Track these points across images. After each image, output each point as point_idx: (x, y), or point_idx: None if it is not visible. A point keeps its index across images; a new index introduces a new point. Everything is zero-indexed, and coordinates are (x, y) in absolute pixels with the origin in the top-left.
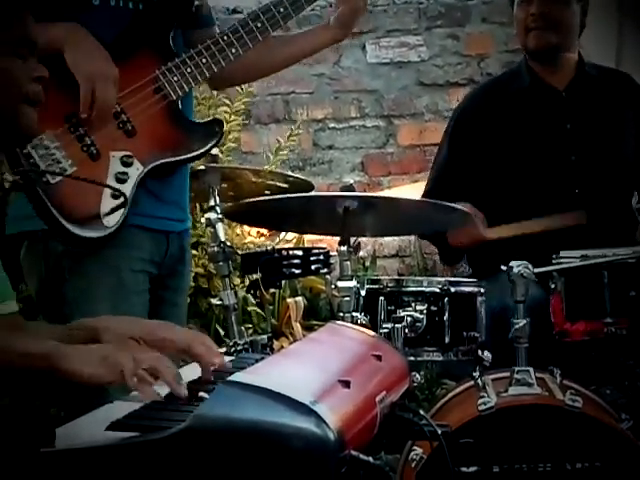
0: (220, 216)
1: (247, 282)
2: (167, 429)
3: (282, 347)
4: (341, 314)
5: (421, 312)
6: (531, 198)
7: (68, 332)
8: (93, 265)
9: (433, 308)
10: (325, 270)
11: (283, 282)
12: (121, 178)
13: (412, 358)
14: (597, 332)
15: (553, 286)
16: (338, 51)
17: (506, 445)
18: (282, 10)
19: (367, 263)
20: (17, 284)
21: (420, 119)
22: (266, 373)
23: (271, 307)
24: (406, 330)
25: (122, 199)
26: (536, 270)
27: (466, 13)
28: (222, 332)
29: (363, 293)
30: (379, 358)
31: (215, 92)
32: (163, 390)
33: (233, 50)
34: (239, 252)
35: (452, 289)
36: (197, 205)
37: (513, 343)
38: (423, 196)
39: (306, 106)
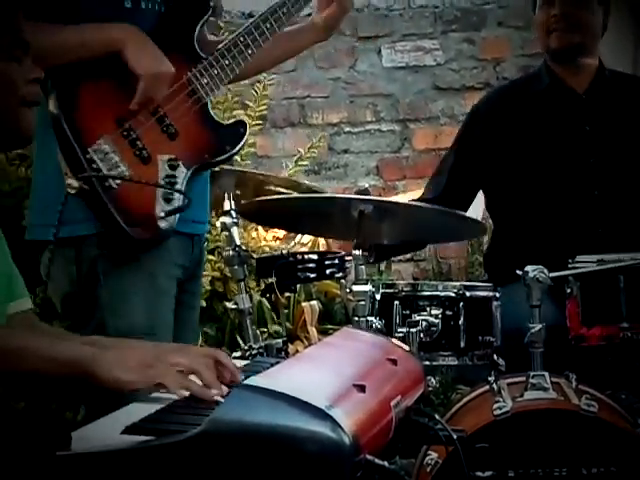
0: (235, 220)
1: (262, 286)
2: (183, 433)
3: (297, 351)
4: (356, 318)
5: (436, 316)
6: (549, 200)
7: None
8: (129, 270)
9: (448, 312)
10: (340, 274)
11: (298, 286)
12: (171, 181)
13: (427, 362)
14: (613, 337)
15: (569, 291)
16: (354, 55)
17: (521, 450)
18: (286, 11)
19: (382, 267)
20: (33, 288)
21: (436, 123)
22: (281, 377)
23: (286, 311)
24: (421, 334)
25: (176, 203)
26: (552, 275)
27: (482, 17)
28: (237, 336)
29: (378, 297)
30: (394, 362)
31: (229, 96)
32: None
33: (249, 51)
34: (254, 256)
35: (467, 293)
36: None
37: (529, 348)
38: (421, 197)
39: (322, 110)
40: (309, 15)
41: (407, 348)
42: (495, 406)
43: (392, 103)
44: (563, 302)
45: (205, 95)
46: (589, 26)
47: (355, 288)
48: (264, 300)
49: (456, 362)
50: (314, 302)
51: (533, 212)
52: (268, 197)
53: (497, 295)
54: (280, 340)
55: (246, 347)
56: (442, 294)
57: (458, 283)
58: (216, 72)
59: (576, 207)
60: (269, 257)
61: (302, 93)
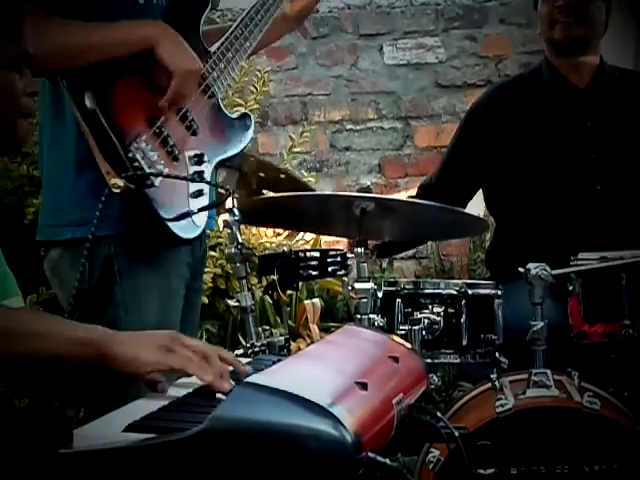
0: (237, 218)
1: (264, 283)
2: (185, 431)
3: (299, 349)
4: (358, 316)
5: (438, 314)
6: (551, 196)
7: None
8: (145, 269)
9: (450, 310)
10: (342, 272)
11: (300, 284)
12: (200, 177)
13: (429, 360)
14: (615, 334)
15: (571, 288)
16: (355, 52)
17: (524, 447)
18: (272, 1)
19: (384, 265)
20: (35, 285)
21: (437, 121)
22: (283, 375)
23: (288, 309)
24: (423, 332)
25: (205, 199)
26: (554, 272)
27: (484, 14)
28: (239, 333)
29: (380, 295)
30: (396, 360)
31: (229, 92)
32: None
33: (248, 44)
34: (256, 253)
35: (469, 291)
36: None
37: (531, 345)
38: (417, 192)
39: (323, 108)
40: None
41: (409, 346)
42: (497, 404)
43: (394, 100)
44: (565, 299)
45: (218, 89)
46: (593, 20)
47: (357, 286)
48: (266, 297)
49: (458, 360)
50: (316, 300)
51: (535, 209)
52: (269, 196)
53: (499, 293)
54: (282, 338)
55: (248, 345)
56: (444, 292)
57: (460, 281)
58: (223, 66)
59: (579, 203)
60: (271, 255)
61: (304, 90)
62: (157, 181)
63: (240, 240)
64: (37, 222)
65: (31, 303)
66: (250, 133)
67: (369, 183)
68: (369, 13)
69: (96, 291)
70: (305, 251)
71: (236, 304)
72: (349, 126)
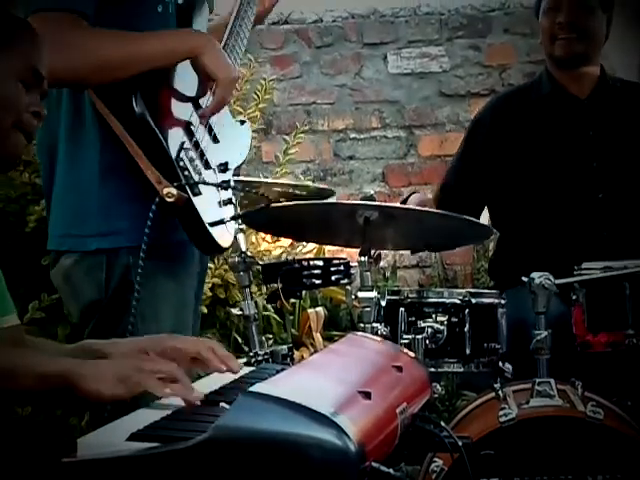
0: (240, 226)
1: (265, 291)
2: (188, 440)
3: (302, 357)
4: (361, 325)
5: (442, 323)
6: (553, 205)
7: (73, 351)
8: (163, 279)
9: (454, 319)
10: (346, 280)
11: (303, 292)
12: (225, 186)
13: (433, 369)
14: (619, 343)
15: (575, 297)
16: (359, 62)
17: (527, 457)
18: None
19: (387, 274)
20: (38, 294)
21: (441, 130)
22: (287, 384)
23: (291, 317)
24: (427, 341)
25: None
26: (557, 281)
27: (488, 24)
28: (241, 342)
29: (383, 304)
30: (400, 369)
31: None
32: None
33: (245, 40)
34: (260, 262)
35: (473, 300)
36: None
37: (534, 355)
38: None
39: (327, 116)
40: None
41: (412, 355)
42: (501, 413)
43: (398, 109)
44: (569, 309)
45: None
46: (594, 35)
47: (360, 294)
48: (269, 306)
49: (462, 369)
50: (319, 308)
51: (538, 218)
52: (272, 205)
53: (503, 302)
54: (285, 346)
55: (251, 353)
56: (448, 301)
57: (464, 290)
58: None
59: (581, 212)
60: (274, 263)
61: (308, 99)
62: (200, 191)
63: (244, 249)
64: (39, 230)
65: (33, 310)
66: (250, 137)
67: (373, 192)
68: (373, 22)
69: (113, 300)
70: (309, 260)
71: (239, 313)
72: (353, 135)
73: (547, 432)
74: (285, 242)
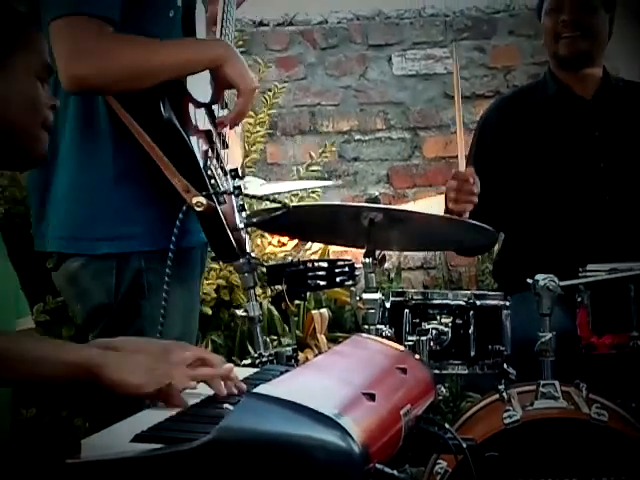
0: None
1: (269, 293)
2: (192, 441)
3: (307, 359)
4: (366, 326)
5: (446, 325)
6: (560, 206)
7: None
8: (172, 285)
9: (458, 321)
10: (350, 282)
11: (308, 294)
12: (240, 191)
13: (437, 371)
14: (623, 345)
15: (579, 299)
16: (364, 63)
17: (531, 459)
18: None
19: (392, 275)
20: (43, 296)
21: (446, 131)
22: (291, 385)
23: (296, 319)
24: (431, 343)
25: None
26: (562, 283)
27: (492, 26)
28: (246, 344)
29: (388, 305)
30: (404, 371)
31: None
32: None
33: (233, 24)
34: (264, 264)
35: (477, 302)
36: None
37: (539, 356)
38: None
39: (332, 118)
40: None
41: (417, 356)
42: (505, 415)
43: (402, 111)
44: (573, 311)
45: (226, 98)
46: (597, 33)
47: (365, 296)
48: (273, 308)
49: (466, 371)
50: (324, 310)
51: (543, 219)
52: (276, 206)
53: (507, 304)
54: (290, 348)
55: (256, 355)
56: (452, 302)
57: (468, 292)
58: None
59: (587, 213)
60: (279, 265)
61: (312, 101)
62: (224, 199)
63: (248, 250)
64: None
65: (37, 312)
66: (243, 142)
67: (377, 193)
68: (378, 24)
69: (123, 305)
70: (313, 261)
71: (244, 314)
72: (357, 136)
73: (551, 434)
74: (291, 245)
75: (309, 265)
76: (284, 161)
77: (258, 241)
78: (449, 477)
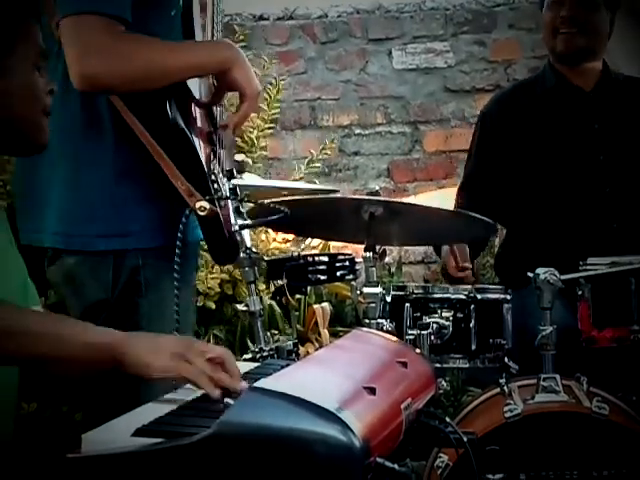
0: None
1: (272, 288)
2: (193, 435)
3: (308, 353)
4: (367, 320)
5: (447, 319)
6: (560, 199)
7: None
8: (170, 282)
9: (459, 315)
10: (351, 276)
11: (309, 288)
12: (236, 192)
13: (438, 365)
14: (624, 339)
15: (580, 293)
16: (364, 57)
17: (532, 452)
18: None
19: (393, 269)
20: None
21: (446, 125)
22: (291, 380)
23: (297, 313)
24: (432, 337)
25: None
26: (562, 277)
27: (493, 19)
28: (248, 338)
29: (389, 299)
30: (405, 365)
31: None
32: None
33: (222, 10)
34: (265, 258)
35: (478, 296)
36: None
37: (539, 350)
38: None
39: (332, 112)
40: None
41: (418, 350)
42: (506, 409)
43: (403, 105)
44: (574, 304)
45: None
46: (596, 30)
47: (366, 290)
48: (274, 303)
49: (467, 365)
50: (325, 304)
51: (544, 213)
52: (275, 200)
53: (508, 297)
54: (291, 342)
55: (257, 349)
56: (453, 296)
57: (469, 286)
58: None
59: (587, 206)
60: (280, 259)
61: (313, 95)
62: (223, 204)
63: (249, 245)
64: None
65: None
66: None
67: (378, 187)
68: (378, 18)
69: (120, 301)
70: (314, 255)
71: (245, 309)
72: (358, 131)
73: (552, 428)
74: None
75: (309, 259)
76: (284, 155)
77: (263, 237)
78: (450, 471)
